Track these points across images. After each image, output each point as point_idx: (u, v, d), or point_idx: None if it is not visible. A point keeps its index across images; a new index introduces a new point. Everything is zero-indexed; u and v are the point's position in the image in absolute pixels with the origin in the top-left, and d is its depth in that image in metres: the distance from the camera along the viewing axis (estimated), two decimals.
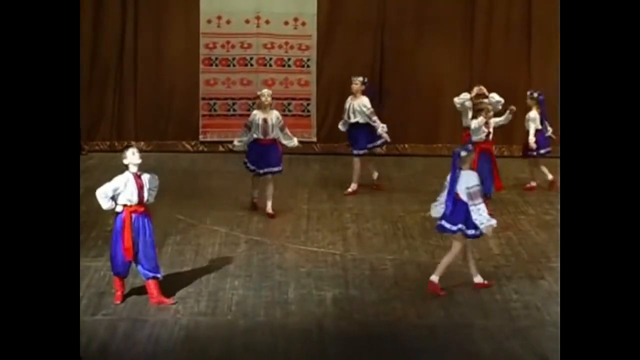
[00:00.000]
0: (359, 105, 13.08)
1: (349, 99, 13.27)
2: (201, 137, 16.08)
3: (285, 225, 12.04)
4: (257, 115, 12.17)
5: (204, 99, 16.06)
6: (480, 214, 9.53)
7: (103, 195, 9.22)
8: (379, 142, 13.29)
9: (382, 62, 16.05)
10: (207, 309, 9.28)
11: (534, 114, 13.63)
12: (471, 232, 9.61)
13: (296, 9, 16.00)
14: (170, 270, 10.21)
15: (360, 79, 13.19)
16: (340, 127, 13.48)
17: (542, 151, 13.62)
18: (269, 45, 16.04)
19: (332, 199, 12.65)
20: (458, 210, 9.56)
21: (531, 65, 16.00)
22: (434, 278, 9.73)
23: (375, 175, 13.61)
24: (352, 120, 13.19)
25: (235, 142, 12.44)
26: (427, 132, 16.01)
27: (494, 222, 9.67)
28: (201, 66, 16.02)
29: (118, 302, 9.33)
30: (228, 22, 15.97)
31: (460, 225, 9.57)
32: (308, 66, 16.09)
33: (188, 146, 16.08)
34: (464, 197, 9.52)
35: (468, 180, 9.56)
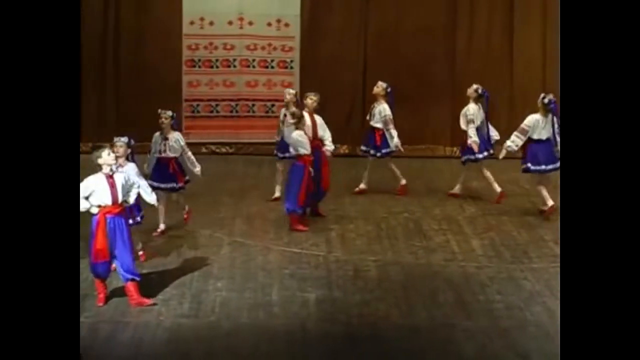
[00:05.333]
0: None
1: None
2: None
3: (268, 227, 12.03)
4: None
5: (186, 100, 16.06)
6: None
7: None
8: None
9: (365, 63, 16.06)
10: (190, 310, 9.26)
11: (473, 109, 13.12)
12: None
13: (279, 10, 16.01)
14: (153, 272, 10.21)
15: None
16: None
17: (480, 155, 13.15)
18: (252, 47, 16.05)
19: None
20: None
21: (514, 65, 16.06)
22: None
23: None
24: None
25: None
26: (411, 133, 16.03)
27: None
28: (184, 67, 16.02)
29: (100, 304, 9.29)
30: (211, 23, 15.97)
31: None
32: (291, 67, 16.10)
33: None
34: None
35: None
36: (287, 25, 16.03)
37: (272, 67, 16.12)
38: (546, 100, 12.13)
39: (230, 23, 15.99)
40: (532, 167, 12.33)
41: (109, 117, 15.95)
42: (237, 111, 16.05)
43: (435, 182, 13.88)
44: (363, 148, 13.68)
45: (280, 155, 12.92)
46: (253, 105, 16.16)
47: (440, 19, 16.05)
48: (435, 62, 15.95)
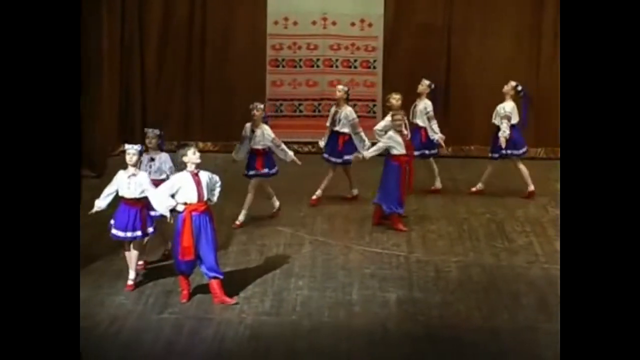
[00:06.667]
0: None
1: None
2: None
3: (349, 226, 12.08)
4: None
5: (270, 99, 16.17)
6: None
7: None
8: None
9: (449, 63, 16.00)
10: (271, 308, 9.37)
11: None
12: None
13: (363, 10, 16.03)
14: (236, 270, 10.32)
15: None
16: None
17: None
18: (335, 47, 16.10)
19: None
20: None
21: None
22: None
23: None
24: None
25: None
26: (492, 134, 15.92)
27: None
28: (267, 67, 16.14)
29: (184, 300, 9.45)
30: (295, 23, 16.07)
31: None
32: (374, 67, 16.12)
33: None
34: None
35: None
36: (370, 25, 16.03)
37: (355, 67, 16.15)
38: (519, 88, 13.18)
39: (314, 23, 16.06)
40: (512, 152, 13.14)
41: (194, 115, 16.15)
42: (319, 111, 16.11)
43: (517, 183, 13.75)
44: (325, 156, 13.12)
45: (251, 173, 12.24)
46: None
47: (526, 21, 15.87)
48: (519, 64, 15.78)
